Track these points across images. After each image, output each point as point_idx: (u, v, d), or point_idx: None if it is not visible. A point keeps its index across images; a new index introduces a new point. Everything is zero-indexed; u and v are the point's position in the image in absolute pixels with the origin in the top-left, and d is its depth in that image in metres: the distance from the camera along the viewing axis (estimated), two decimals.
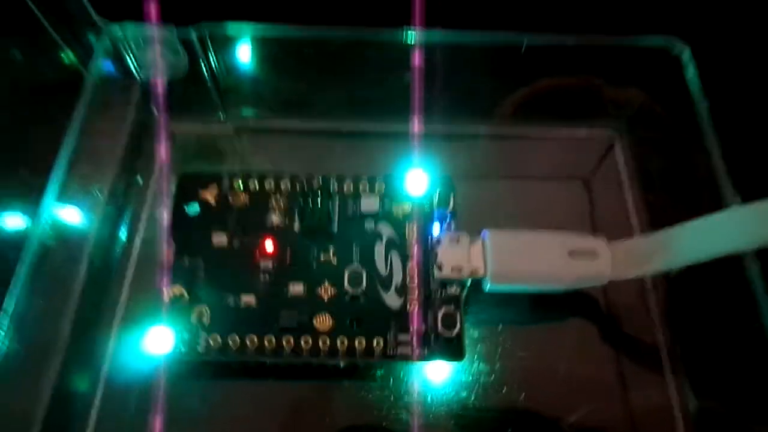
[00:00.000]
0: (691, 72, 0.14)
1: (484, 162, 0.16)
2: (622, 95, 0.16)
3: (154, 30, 0.14)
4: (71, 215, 0.13)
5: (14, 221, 0.14)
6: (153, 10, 0.13)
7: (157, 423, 0.11)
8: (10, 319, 0.11)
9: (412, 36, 0.14)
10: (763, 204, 0.11)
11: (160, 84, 0.14)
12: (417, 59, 0.14)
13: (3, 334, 0.11)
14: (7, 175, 0.14)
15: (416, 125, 0.15)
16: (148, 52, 0.14)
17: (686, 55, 0.14)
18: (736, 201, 0.12)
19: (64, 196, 0.12)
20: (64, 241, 0.12)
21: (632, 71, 0.15)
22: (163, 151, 0.14)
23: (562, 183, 0.16)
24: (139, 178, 0.15)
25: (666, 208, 0.15)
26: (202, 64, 0.15)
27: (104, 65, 0.14)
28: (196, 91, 0.15)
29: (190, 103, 0.15)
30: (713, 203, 0.12)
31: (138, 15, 0.14)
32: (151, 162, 0.15)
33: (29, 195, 0.13)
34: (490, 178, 0.16)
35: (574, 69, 0.15)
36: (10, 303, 0.11)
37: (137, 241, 0.14)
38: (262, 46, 0.15)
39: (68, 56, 0.14)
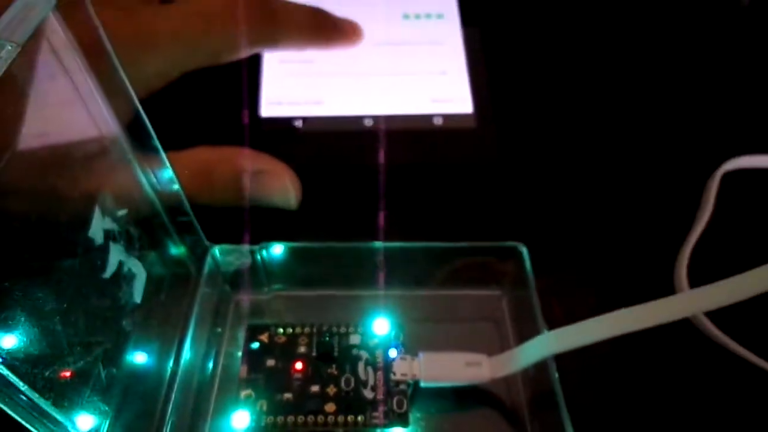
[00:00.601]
0: (527, 261, 0.25)
1: (423, 310, 0.27)
2: (501, 269, 0.27)
3: (235, 248, 0.25)
4: (194, 351, 0.23)
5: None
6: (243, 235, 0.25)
7: None
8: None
9: (379, 246, 0.25)
10: (546, 335, 0.21)
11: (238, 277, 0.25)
12: (382, 257, 0.26)
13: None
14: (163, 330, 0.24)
15: (382, 293, 0.26)
16: (231, 257, 0.25)
17: (525, 251, 0.25)
18: (543, 325, 0.23)
19: (192, 341, 0.23)
20: (191, 365, 0.23)
21: (503, 257, 0.26)
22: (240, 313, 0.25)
23: (474, 322, 0.27)
24: (218, 329, 0.26)
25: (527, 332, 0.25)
26: (258, 261, 0.26)
27: (207, 266, 0.25)
28: (253, 277, 0.26)
29: (250, 284, 0.27)
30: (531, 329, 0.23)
31: (227, 239, 0.25)
32: (226, 318, 0.26)
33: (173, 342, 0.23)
34: (428, 320, 0.26)
35: (472, 258, 0.27)
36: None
37: (221, 363, 0.24)
38: (290, 252, 0.26)
39: (189, 261, 0.25)
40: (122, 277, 0.19)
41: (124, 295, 0.19)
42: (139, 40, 0.25)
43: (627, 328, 0.20)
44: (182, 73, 0.27)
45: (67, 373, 0.16)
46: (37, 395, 0.14)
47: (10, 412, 0.14)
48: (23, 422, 0.14)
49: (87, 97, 0.18)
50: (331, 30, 0.31)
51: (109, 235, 0.18)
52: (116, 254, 0.19)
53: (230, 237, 0.25)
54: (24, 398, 0.14)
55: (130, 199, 0.20)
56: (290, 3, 0.30)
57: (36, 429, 0.14)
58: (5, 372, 0.13)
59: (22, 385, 0.13)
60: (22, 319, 0.14)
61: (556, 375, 0.21)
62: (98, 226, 0.18)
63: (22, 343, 0.14)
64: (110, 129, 0.19)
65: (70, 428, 0.15)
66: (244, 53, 0.29)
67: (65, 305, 0.16)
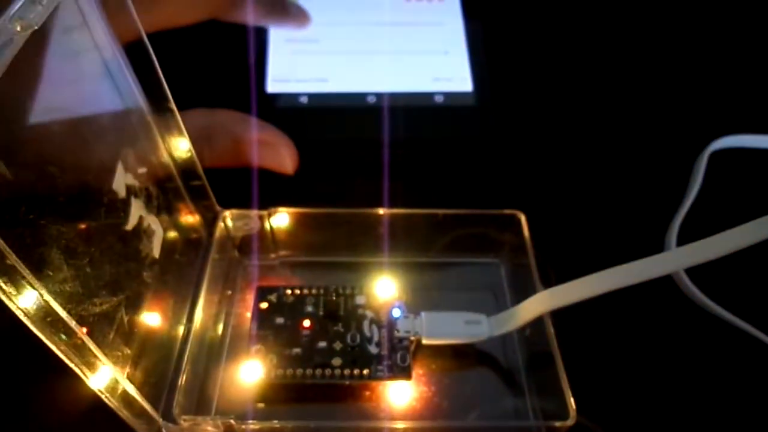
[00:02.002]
0: (525, 226, 0.26)
1: (424, 277, 0.28)
2: (500, 238, 0.28)
3: (245, 213, 0.26)
4: (205, 310, 0.24)
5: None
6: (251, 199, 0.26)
7: (249, 408, 0.22)
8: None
9: (383, 212, 0.27)
10: (543, 293, 0.23)
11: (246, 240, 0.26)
12: (385, 225, 0.27)
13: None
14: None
15: (385, 260, 0.27)
16: (240, 223, 0.27)
17: (523, 219, 0.27)
18: (541, 288, 0.24)
19: (204, 301, 0.24)
20: (204, 322, 0.24)
21: (502, 226, 0.27)
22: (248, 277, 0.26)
23: (473, 289, 0.28)
24: (229, 292, 0.27)
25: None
26: (267, 227, 0.27)
27: (219, 230, 0.26)
28: (261, 243, 0.27)
29: (258, 248, 0.28)
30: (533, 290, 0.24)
31: (236, 203, 0.27)
32: (236, 281, 0.27)
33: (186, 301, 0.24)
34: (428, 287, 0.27)
35: (473, 225, 0.28)
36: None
37: (231, 323, 0.25)
38: (297, 218, 0.27)
39: (201, 226, 0.26)
40: (143, 231, 0.20)
41: (144, 248, 0.20)
42: None
43: (618, 283, 0.21)
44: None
45: (96, 313, 0.17)
46: (77, 327, 0.15)
47: (50, 345, 0.15)
48: (61, 355, 0.15)
49: (115, 72, 0.19)
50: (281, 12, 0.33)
51: (130, 191, 0.20)
52: (137, 209, 0.20)
53: (238, 203, 0.26)
54: (64, 333, 0.15)
55: (148, 160, 0.21)
56: None
57: (73, 363, 0.16)
58: (49, 302, 0.14)
59: (64, 315, 0.14)
60: (57, 257, 0.15)
61: (552, 330, 0.23)
62: (121, 180, 0.19)
63: (56, 280, 0.15)
64: (135, 98, 0.20)
65: (101, 359, 0.16)
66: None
67: (93, 249, 0.17)
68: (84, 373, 0.16)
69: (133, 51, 0.20)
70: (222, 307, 0.26)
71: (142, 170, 0.20)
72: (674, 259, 0.21)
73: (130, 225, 0.19)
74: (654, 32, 0.39)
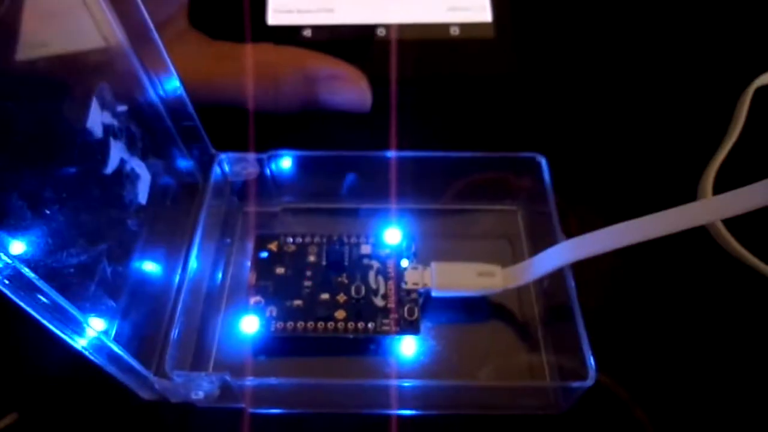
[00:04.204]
0: (546, 172, 0.24)
1: (437, 224, 0.26)
2: (517, 184, 0.26)
3: (242, 156, 0.24)
4: (202, 259, 0.23)
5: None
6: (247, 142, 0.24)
7: (248, 363, 0.21)
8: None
9: (391, 155, 0.25)
10: (563, 244, 0.21)
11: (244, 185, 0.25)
12: (393, 167, 0.25)
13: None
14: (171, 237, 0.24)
15: (394, 206, 0.25)
16: (238, 167, 0.25)
17: (544, 162, 0.24)
18: (562, 238, 0.22)
19: (199, 250, 0.22)
20: (200, 272, 0.22)
21: (521, 170, 0.25)
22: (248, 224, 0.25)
23: (488, 238, 0.26)
24: (227, 240, 0.25)
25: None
26: (267, 171, 0.25)
27: (214, 175, 0.24)
28: (261, 187, 0.26)
29: (258, 195, 0.26)
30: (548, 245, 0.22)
31: (235, 146, 0.25)
32: (235, 229, 0.25)
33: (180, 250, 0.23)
34: (441, 235, 0.26)
35: (489, 169, 0.26)
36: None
37: (230, 273, 0.24)
38: (299, 162, 0.25)
39: (196, 170, 0.24)
40: (125, 176, 0.19)
41: (127, 194, 0.19)
42: None
43: (646, 234, 0.19)
44: None
45: (72, 264, 0.15)
46: (46, 285, 0.13)
47: (25, 306, 0.14)
48: (35, 314, 0.14)
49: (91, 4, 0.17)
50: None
51: (108, 131, 0.18)
52: (117, 151, 0.18)
53: (237, 146, 0.24)
54: (30, 289, 0.14)
55: (130, 98, 0.19)
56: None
57: (46, 320, 0.14)
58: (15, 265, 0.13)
59: (33, 276, 0.13)
60: (18, 204, 0.14)
61: (573, 283, 0.21)
62: (96, 118, 0.17)
63: (18, 229, 0.14)
64: (115, 36, 0.18)
65: (80, 320, 0.15)
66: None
67: (64, 195, 0.15)
68: (61, 331, 0.15)
69: None
70: (220, 256, 0.24)
71: (122, 107, 0.19)
72: (709, 210, 0.19)
73: (110, 168, 0.18)
74: None
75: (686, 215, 0.19)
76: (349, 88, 0.25)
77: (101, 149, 0.17)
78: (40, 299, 0.14)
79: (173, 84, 0.21)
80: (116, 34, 0.18)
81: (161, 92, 0.21)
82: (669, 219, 0.19)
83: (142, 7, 0.18)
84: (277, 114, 0.26)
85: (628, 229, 0.20)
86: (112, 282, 0.17)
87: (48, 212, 0.15)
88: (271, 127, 0.26)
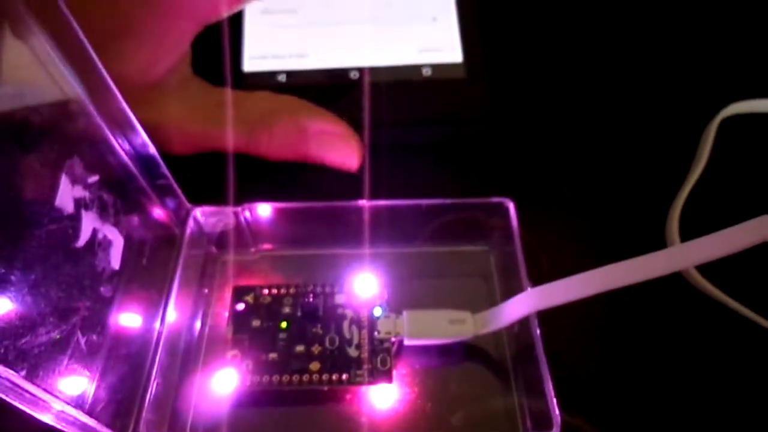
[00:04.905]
0: (513, 214, 0.25)
1: (410, 268, 0.26)
2: (489, 224, 0.27)
3: (219, 210, 0.25)
4: (180, 311, 0.23)
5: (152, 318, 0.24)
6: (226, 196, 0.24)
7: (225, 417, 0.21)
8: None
9: (364, 205, 0.25)
10: (528, 293, 0.21)
11: (221, 236, 0.25)
12: (366, 217, 0.25)
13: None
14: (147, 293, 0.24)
15: (368, 251, 0.26)
16: (214, 219, 0.25)
17: (511, 206, 0.25)
18: (528, 285, 0.22)
19: (176, 303, 0.23)
20: (177, 325, 0.23)
21: (491, 213, 0.26)
22: (226, 273, 0.25)
23: (462, 278, 0.27)
24: (205, 290, 0.26)
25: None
26: (243, 222, 0.26)
27: (190, 228, 0.25)
28: (238, 236, 0.26)
29: (235, 243, 0.26)
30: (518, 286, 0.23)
31: (211, 199, 0.25)
32: (213, 279, 0.26)
33: (158, 304, 0.23)
34: (414, 278, 0.26)
35: (460, 213, 0.26)
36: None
37: (208, 324, 0.25)
38: (275, 213, 0.26)
39: (171, 222, 0.25)
40: (97, 245, 0.19)
41: (100, 262, 0.19)
42: None
43: (607, 285, 0.20)
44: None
45: (42, 342, 0.16)
46: (7, 369, 0.14)
47: None
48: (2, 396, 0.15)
49: (46, 60, 0.17)
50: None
51: (79, 204, 0.18)
52: (89, 222, 0.19)
53: (213, 195, 0.25)
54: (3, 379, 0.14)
55: (102, 165, 0.20)
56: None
57: (12, 401, 0.15)
58: None
59: None
60: None
61: (538, 331, 0.21)
62: (67, 194, 0.18)
63: None
64: (74, 92, 0.18)
65: (43, 397, 0.15)
66: None
67: (33, 276, 0.16)
68: (32, 412, 0.15)
69: (62, 38, 0.17)
70: (198, 308, 0.25)
71: (93, 179, 0.19)
72: (677, 258, 0.20)
73: (82, 241, 0.18)
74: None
75: (650, 265, 0.19)
76: (338, 145, 0.25)
77: (72, 224, 0.18)
78: (4, 384, 0.14)
79: (141, 142, 0.21)
80: (78, 95, 0.18)
81: (131, 152, 0.22)
82: (633, 268, 0.20)
83: (100, 64, 0.18)
84: (265, 160, 0.26)
85: (593, 278, 0.20)
86: (87, 351, 0.18)
87: (16, 296, 0.15)
88: (246, 171, 0.26)
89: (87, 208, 0.19)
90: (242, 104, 0.26)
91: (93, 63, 0.18)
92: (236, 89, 0.28)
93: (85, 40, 0.18)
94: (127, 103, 0.20)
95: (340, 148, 0.25)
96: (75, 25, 0.17)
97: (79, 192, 0.18)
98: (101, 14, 0.22)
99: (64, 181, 0.18)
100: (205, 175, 0.26)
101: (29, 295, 0.16)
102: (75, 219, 0.18)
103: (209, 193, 0.25)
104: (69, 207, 0.18)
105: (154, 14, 0.23)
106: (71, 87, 0.18)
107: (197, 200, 0.25)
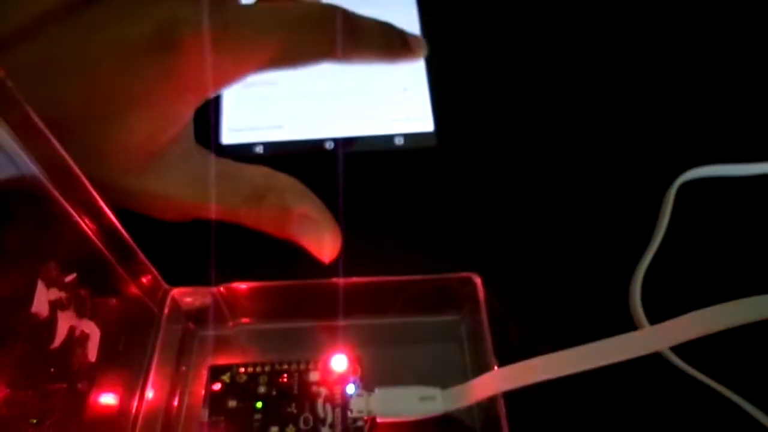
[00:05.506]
0: (480, 289, 0.25)
1: (384, 339, 0.27)
2: (460, 293, 0.27)
3: (196, 290, 0.26)
4: (157, 391, 0.24)
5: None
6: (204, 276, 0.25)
7: None
8: None
9: (337, 284, 0.26)
10: (494, 373, 0.22)
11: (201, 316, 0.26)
12: (341, 294, 0.26)
13: None
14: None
15: (342, 324, 0.27)
16: (191, 298, 0.26)
17: (479, 282, 0.26)
18: (494, 363, 0.23)
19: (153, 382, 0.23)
20: (155, 405, 0.23)
21: (460, 286, 0.27)
22: (204, 350, 0.26)
23: (434, 347, 0.27)
24: (183, 368, 0.26)
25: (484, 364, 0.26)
26: (221, 301, 0.26)
27: (169, 308, 0.25)
28: (216, 313, 0.27)
29: (213, 319, 0.27)
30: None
31: (188, 280, 0.26)
32: (191, 356, 0.27)
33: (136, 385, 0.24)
34: (388, 349, 0.27)
35: (431, 290, 0.27)
36: None
37: (185, 403, 0.25)
38: (251, 292, 0.27)
39: (149, 303, 0.26)
40: (74, 341, 0.20)
41: (77, 358, 0.20)
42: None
43: (572, 368, 0.21)
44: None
45: None
46: None
47: None
48: None
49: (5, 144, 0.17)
50: (400, 46, 0.27)
51: (55, 305, 0.19)
52: (65, 321, 0.19)
53: (191, 272, 0.26)
54: None
55: (78, 262, 0.21)
56: (363, 19, 0.26)
57: None
58: None
59: None
60: None
61: (504, 410, 0.22)
62: (43, 299, 0.18)
63: None
64: (34, 174, 0.18)
65: None
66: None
67: (8, 389, 0.16)
68: None
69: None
70: (176, 386, 0.25)
71: (69, 277, 0.20)
72: (644, 341, 0.20)
73: (57, 342, 0.19)
74: (619, 66, 0.37)
75: (616, 348, 0.20)
76: (316, 235, 0.25)
77: (48, 327, 0.18)
78: None
79: (114, 231, 0.22)
80: (39, 177, 0.18)
81: (104, 239, 0.22)
82: (600, 351, 0.20)
83: (58, 145, 0.18)
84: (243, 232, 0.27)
85: (559, 360, 0.21)
86: None
87: None
88: (224, 240, 0.27)
89: (63, 308, 0.19)
90: (238, 177, 0.26)
91: (53, 145, 0.18)
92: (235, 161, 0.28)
93: (42, 125, 0.17)
94: (130, 172, 0.20)
95: (318, 239, 0.26)
96: (30, 109, 0.17)
97: (55, 294, 0.19)
98: (106, 86, 0.23)
99: (40, 286, 0.18)
100: (183, 246, 0.26)
101: (3, 406, 0.16)
102: (50, 321, 0.19)
103: (185, 264, 0.26)
104: (44, 311, 0.18)
105: (159, 86, 0.23)
106: (30, 169, 0.18)
107: (174, 271, 0.26)
